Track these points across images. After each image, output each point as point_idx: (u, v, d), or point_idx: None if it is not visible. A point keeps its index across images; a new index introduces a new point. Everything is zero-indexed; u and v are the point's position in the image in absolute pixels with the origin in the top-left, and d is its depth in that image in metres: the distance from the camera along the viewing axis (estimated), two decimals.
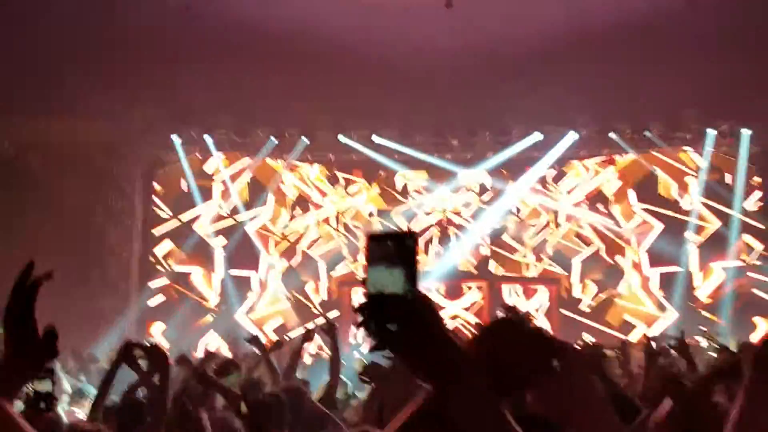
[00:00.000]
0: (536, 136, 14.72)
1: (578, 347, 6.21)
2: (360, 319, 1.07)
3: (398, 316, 1.05)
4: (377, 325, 1.06)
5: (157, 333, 14.48)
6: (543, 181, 15.41)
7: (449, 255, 15.11)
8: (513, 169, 15.29)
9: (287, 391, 4.53)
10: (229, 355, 9.37)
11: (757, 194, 14.98)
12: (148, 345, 4.05)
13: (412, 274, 1.08)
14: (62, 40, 11.89)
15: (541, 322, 14.15)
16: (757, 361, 2.68)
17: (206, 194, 15.56)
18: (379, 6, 12.58)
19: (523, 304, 13.98)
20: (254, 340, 7.09)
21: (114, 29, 12.12)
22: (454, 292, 14.34)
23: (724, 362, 2.83)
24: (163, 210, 15.51)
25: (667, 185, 15.22)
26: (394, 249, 1.07)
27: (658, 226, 15.02)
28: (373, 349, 1.08)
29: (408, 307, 1.05)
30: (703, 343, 10.51)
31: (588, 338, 12.95)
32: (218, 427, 3.91)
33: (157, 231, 15.36)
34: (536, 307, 14.53)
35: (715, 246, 14.87)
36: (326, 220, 15.65)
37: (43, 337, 1.92)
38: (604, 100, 13.74)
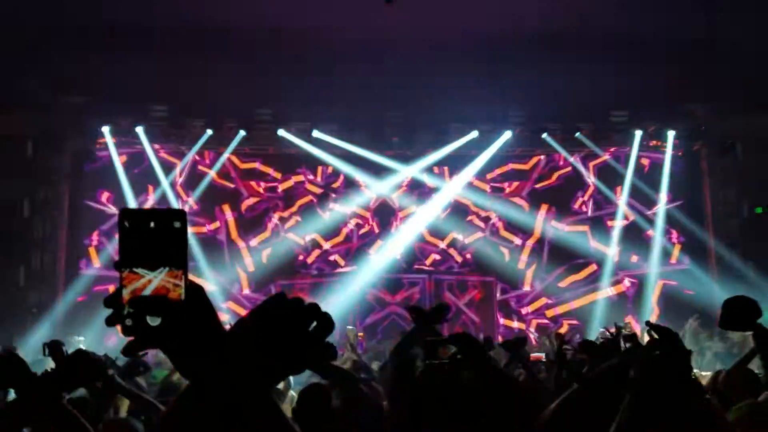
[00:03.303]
0: (473, 134, 14.98)
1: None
2: (111, 315, 0.96)
3: (162, 314, 0.94)
4: (136, 321, 0.95)
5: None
6: (478, 178, 15.72)
7: (388, 250, 15.24)
8: (450, 166, 15.55)
9: None
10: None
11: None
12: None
13: (176, 262, 0.93)
14: None
15: (474, 316, 14.46)
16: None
17: (139, 186, 15.15)
18: (321, 1, 12.50)
19: (459, 299, 14.21)
20: None
21: (43, 17, 11.62)
22: (393, 286, 14.45)
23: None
24: (92, 202, 15.02)
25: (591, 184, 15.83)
26: (157, 232, 0.92)
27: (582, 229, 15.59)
28: (129, 350, 0.97)
29: (174, 307, 0.94)
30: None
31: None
32: None
33: (90, 223, 14.88)
34: (469, 301, 14.80)
35: (637, 243, 15.55)
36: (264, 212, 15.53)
37: None
38: (539, 101, 14.11)
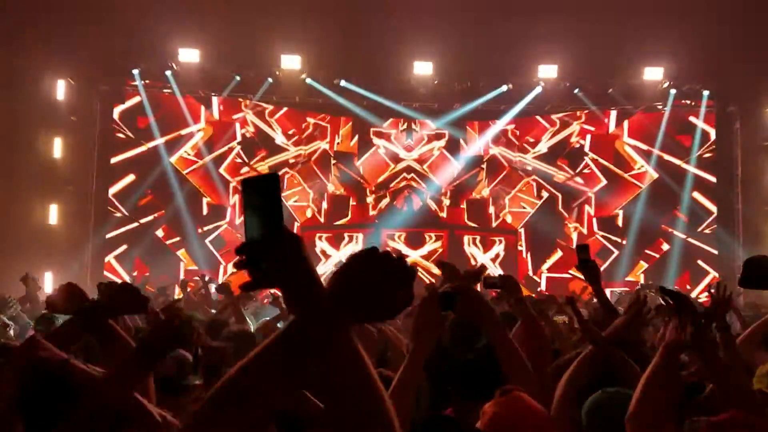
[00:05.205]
0: (503, 89, 14.76)
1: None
2: (237, 260, 1.15)
3: (265, 258, 1.14)
4: (251, 265, 1.15)
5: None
6: (507, 133, 15.60)
7: (412, 204, 15.28)
8: (479, 121, 15.42)
9: (239, 335, 4.55)
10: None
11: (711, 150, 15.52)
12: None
13: (272, 216, 1.15)
14: None
15: (498, 271, 14.52)
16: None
17: (167, 129, 15.25)
18: None
19: (481, 254, 14.27)
20: (223, 287, 7.10)
21: None
22: (415, 240, 14.53)
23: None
24: (123, 143, 15.20)
25: (621, 144, 15.63)
26: (259, 192, 1.15)
27: (605, 182, 15.49)
28: (247, 287, 1.16)
29: (270, 249, 1.14)
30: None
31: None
32: None
33: (115, 160, 15.09)
34: (493, 257, 14.87)
35: (665, 204, 15.43)
36: (291, 164, 15.58)
37: None
38: (572, 57, 13.85)
